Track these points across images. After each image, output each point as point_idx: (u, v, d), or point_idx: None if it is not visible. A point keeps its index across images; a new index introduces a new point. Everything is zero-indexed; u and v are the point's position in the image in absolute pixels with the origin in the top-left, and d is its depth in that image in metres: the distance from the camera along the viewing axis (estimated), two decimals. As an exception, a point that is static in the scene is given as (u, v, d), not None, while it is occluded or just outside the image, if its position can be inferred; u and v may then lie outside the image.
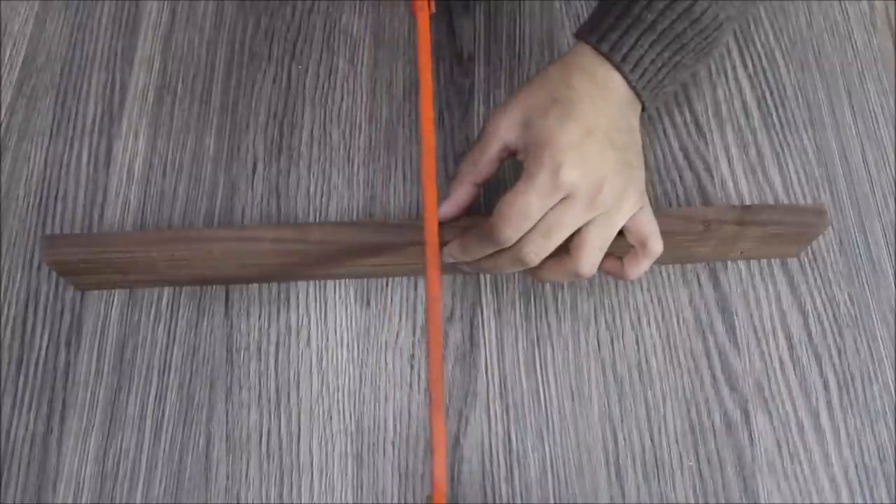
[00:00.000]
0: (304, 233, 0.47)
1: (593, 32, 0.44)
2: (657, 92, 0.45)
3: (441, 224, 0.45)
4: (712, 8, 0.43)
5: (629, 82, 0.44)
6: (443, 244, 0.45)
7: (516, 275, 0.51)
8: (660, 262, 0.49)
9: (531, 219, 0.41)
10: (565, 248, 0.43)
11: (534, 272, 0.45)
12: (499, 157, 0.45)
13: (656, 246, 0.44)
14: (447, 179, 0.54)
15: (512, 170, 0.50)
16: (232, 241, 0.46)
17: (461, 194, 0.46)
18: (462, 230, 0.45)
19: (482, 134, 0.45)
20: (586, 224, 0.42)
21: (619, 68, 0.43)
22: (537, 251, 0.42)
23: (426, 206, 0.43)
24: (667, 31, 0.43)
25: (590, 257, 0.43)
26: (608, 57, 0.43)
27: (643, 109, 0.46)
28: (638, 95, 0.44)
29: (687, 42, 0.44)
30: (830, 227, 0.54)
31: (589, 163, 0.41)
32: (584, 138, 0.42)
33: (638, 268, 0.45)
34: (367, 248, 0.47)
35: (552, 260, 0.44)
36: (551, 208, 0.41)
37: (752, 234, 0.49)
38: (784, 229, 0.49)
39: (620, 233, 0.44)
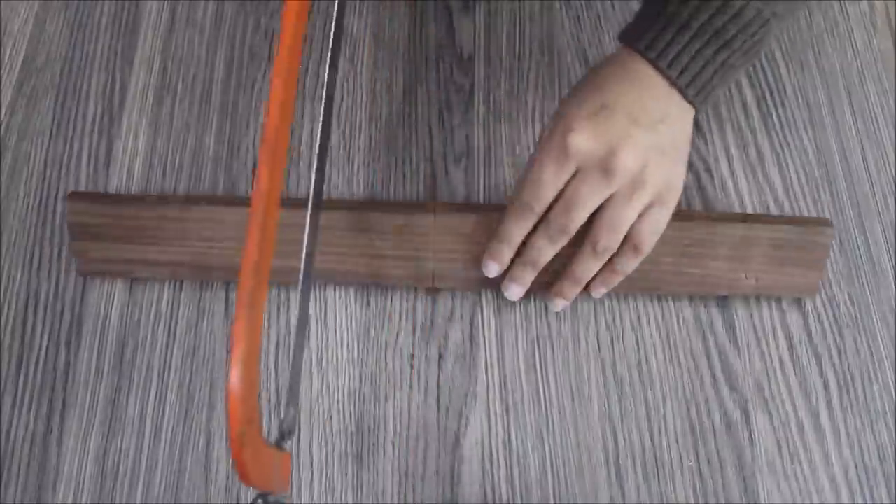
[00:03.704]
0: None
1: (631, 33, 0.45)
2: (706, 91, 0.44)
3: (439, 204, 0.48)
4: (754, 3, 0.42)
5: (669, 79, 0.43)
6: (442, 226, 0.48)
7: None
8: (673, 293, 0.50)
9: (545, 185, 0.44)
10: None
11: (569, 273, 0.47)
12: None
13: (643, 246, 0.45)
14: (446, 179, 0.54)
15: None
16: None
17: None
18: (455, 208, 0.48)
19: None
20: (605, 202, 0.44)
21: (654, 64, 0.43)
22: (564, 224, 0.44)
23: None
24: (705, 28, 0.42)
25: (602, 230, 0.45)
26: (644, 54, 0.43)
27: (696, 111, 0.45)
28: (683, 94, 0.44)
29: (730, 39, 0.43)
30: (830, 227, 0.54)
31: (600, 131, 0.43)
32: (600, 111, 0.43)
33: (622, 261, 0.46)
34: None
35: (579, 248, 0.46)
36: (570, 182, 0.44)
37: (758, 238, 0.49)
38: (786, 233, 0.49)
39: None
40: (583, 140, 0.42)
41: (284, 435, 0.36)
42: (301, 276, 0.39)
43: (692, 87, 0.44)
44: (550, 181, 0.43)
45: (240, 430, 0.28)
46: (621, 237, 0.45)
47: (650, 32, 0.43)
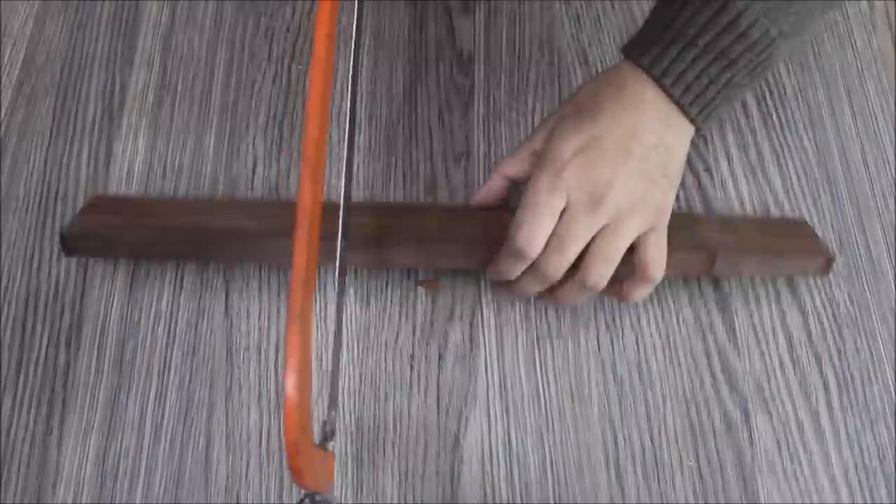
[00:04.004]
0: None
1: (635, 47, 0.44)
2: (709, 110, 0.44)
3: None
4: (761, 22, 0.41)
5: (672, 97, 0.43)
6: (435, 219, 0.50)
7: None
8: (669, 276, 0.49)
9: (537, 227, 0.43)
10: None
11: (552, 294, 0.46)
12: (530, 158, 0.46)
13: (655, 272, 0.44)
14: (446, 179, 0.54)
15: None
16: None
17: (493, 183, 0.49)
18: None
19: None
20: (595, 235, 0.43)
21: (658, 81, 0.43)
22: (555, 265, 0.43)
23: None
24: (711, 46, 0.41)
25: (594, 268, 0.43)
26: (648, 70, 0.43)
27: (697, 130, 0.44)
28: (685, 112, 0.43)
29: (735, 58, 0.42)
30: (830, 228, 0.54)
31: (589, 170, 0.42)
32: (590, 145, 0.42)
33: (635, 291, 0.45)
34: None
35: (565, 278, 0.44)
36: (560, 221, 0.42)
37: (740, 219, 0.52)
38: (765, 219, 0.52)
39: (631, 249, 0.44)
40: (572, 178, 0.42)
41: (327, 436, 0.38)
42: (336, 283, 0.41)
43: (695, 106, 0.43)
44: (542, 221, 0.43)
45: (295, 438, 0.30)
46: (613, 269, 0.43)
47: (654, 48, 0.43)
